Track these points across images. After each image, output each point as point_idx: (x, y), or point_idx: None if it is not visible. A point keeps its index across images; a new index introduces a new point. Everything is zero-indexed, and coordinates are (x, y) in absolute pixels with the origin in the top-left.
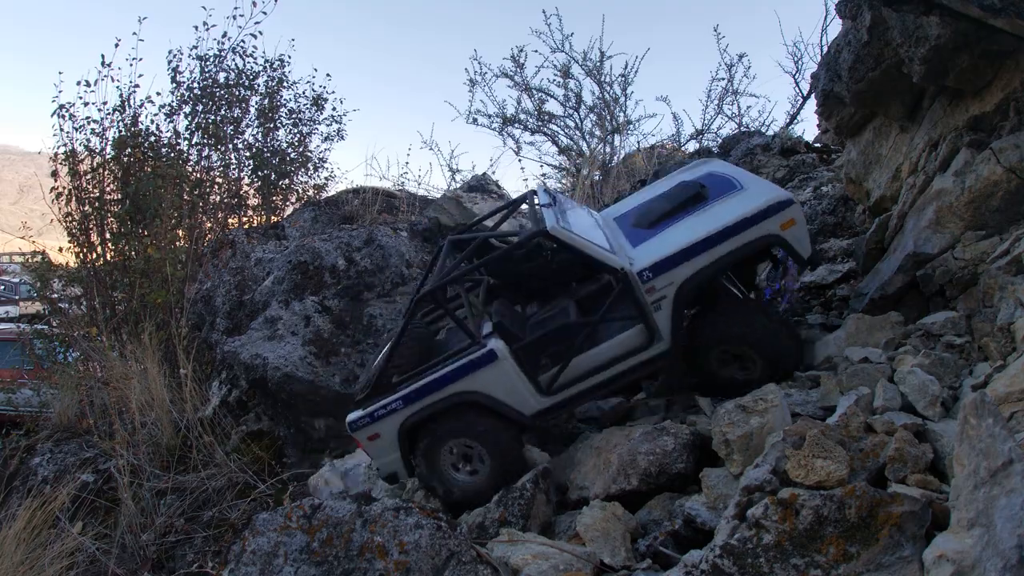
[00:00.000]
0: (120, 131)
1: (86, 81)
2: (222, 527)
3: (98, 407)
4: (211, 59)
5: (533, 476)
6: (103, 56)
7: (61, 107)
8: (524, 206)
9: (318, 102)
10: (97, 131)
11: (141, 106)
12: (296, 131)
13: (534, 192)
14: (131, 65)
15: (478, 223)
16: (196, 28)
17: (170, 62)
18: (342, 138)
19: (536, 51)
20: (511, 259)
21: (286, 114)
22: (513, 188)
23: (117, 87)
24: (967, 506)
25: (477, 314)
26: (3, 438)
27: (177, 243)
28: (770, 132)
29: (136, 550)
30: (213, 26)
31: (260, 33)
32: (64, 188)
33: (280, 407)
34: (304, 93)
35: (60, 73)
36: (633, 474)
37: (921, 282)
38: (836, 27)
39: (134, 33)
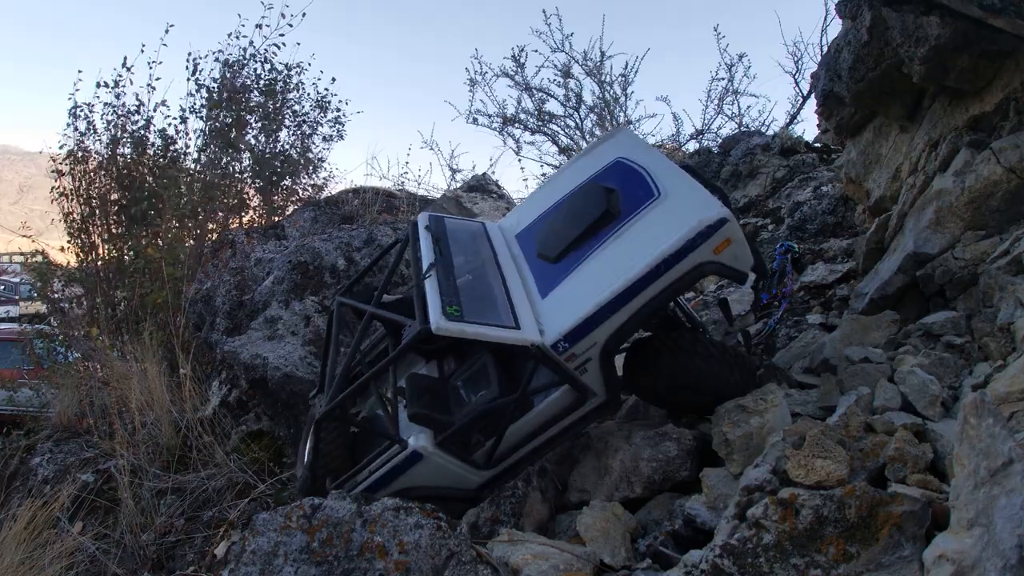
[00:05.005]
0: (131, 133)
1: (104, 82)
2: (222, 527)
3: (98, 407)
4: (234, 64)
5: (525, 475)
6: (125, 58)
7: (76, 107)
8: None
9: (322, 104)
10: (109, 131)
11: (155, 109)
12: (298, 132)
13: (415, 225)
14: (151, 68)
15: (370, 268)
16: (229, 35)
17: (191, 66)
18: (342, 138)
19: (536, 51)
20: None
21: (290, 116)
22: (513, 188)
23: (135, 94)
24: (967, 506)
25: (390, 403)
26: (3, 438)
27: (179, 243)
28: (770, 132)
29: (136, 550)
30: (243, 36)
31: (283, 45)
32: (67, 188)
33: (280, 407)
34: (308, 95)
35: (79, 72)
36: (637, 481)
37: (921, 282)
38: (836, 27)
39: (160, 38)
